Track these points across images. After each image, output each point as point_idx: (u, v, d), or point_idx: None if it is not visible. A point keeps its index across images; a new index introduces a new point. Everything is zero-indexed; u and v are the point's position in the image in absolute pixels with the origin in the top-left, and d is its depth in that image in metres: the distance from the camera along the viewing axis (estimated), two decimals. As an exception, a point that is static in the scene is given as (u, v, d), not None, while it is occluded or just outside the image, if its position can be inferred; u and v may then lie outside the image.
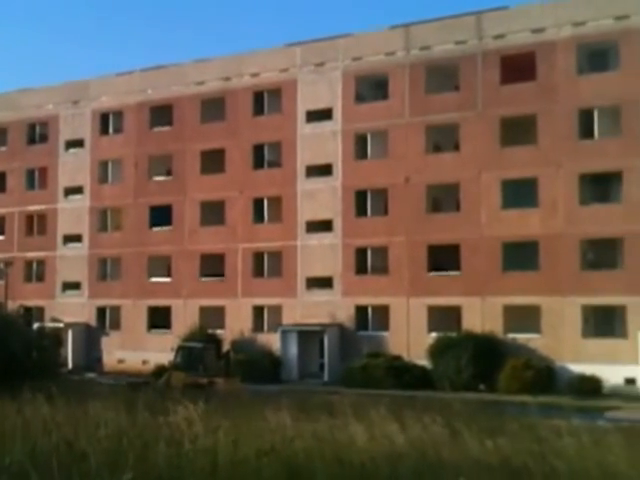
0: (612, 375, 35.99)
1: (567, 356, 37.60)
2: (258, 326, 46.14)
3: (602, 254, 38.40)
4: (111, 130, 53.69)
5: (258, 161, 47.76)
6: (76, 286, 52.96)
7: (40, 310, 52.54)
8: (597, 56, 39.58)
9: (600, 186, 38.88)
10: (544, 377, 36.70)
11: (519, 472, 8.27)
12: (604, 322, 38.10)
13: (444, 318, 40.55)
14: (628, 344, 36.23)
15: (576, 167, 38.25)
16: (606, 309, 37.90)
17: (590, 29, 38.81)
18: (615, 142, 38.06)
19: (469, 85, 41.46)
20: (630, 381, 36.04)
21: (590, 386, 35.52)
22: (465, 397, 29.81)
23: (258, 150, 47.69)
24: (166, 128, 51.02)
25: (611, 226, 37.32)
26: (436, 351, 39.21)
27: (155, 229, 50.58)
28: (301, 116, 46.18)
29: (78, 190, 53.73)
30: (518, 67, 39.21)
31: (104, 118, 53.67)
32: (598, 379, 35.93)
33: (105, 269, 52.77)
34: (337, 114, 45.07)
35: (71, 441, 8.43)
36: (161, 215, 49.88)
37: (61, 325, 50.25)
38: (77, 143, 54.31)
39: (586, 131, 38.62)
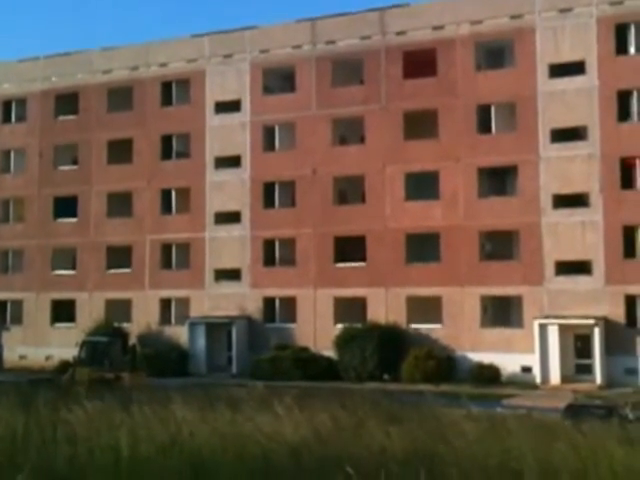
0: (509, 363, 37.72)
1: (466, 345, 39.27)
2: (165, 319, 46.62)
3: (499, 245, 40.26)
4: (14, 118, 53.19)
5: (166, 152, 48.14)
6: (-25, 279, 52.26)
7: None
8: (494, 54, 41.40)
9: (497, 180, 40.81)
10: (445, 366, 38.22)
11: (420, 458, 8.50)
12: (501, 312, 39.99)
13: (350, 309, 41.80)
14: (524, 333, 38.05)
15: (474, 161, 39.98)
16: (503, 299, 39.79)
17: (487, 27, 40.53)
18: (511, 137, 39.90)
19: (373, 79, 42.79)
20: (526, 369, 37.70)
21: (488, 374, 37.14)
22: (369, 387, 31.36)
23: (166, 141, 48.08)
24: (71, 117, 50.92)
25: (507, 218, 39.17)
26: (342, 342, 40.22)
27: (60, 220, 50.41)
28: (210, 107, 46.76)
29: (-22, 180, 52.97)
30: (420, 63, 40.71)
31: (6, 106, 53.25)
32: (496, 367, 37.54)
33: (6, 261, 52.29)
34: (245, 106, 45.82)
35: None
36: (66, 206, 49.72)
37: (-43, 321, 49.69)
38: (-23, 131, 53.50)
39: (484, 126, 40.36)
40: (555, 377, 36.62)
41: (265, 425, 10.00)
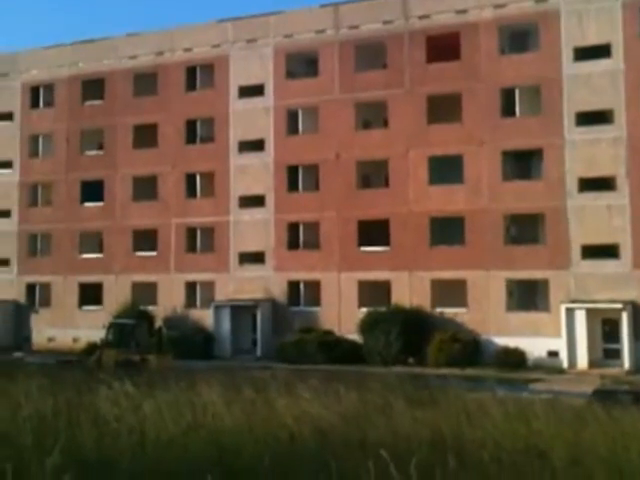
0: (535, 348, 36.63)
1: (492, 329, 38.19)
2: (191, 302, 46.02)
3: (524, 229, 39.18)
4: (42, 104, 52.75)
5: (190, 136, 47.51)
6: (5, 262, 51.91)
7: (-34, 287, 51.48)
8: (518, 37, 40.17)
9: (521, 163, 39.67)
10: (470, 350, 37.25)
11: (448, 441, 8.34)
12: (527, 296, 38.89)
13: (374, 293, 40.95)
14: (551, 317, 36.96)
15: (499, 144, 38.90)
16: (529, 283, 38.67)
17: (510, 11, 39.40)
18: (535, 120, 38.76)
19: (396, 64, 41.78)
20: (553, 354, 36.60)
21: (514, 359, 36.12)
22: (394, 371, 30.41)
23: (191, 125, 47.45)
24: (98, 102, 50.37)
25: (532, 202, 38.04)
26: (366, 326, 39.39)
27: (87, 204, 49.92)
28: (233, 92, 46.04)
29: (7, 165, 52.65)
30: (443, 47, 39.66)
31: (34, 91, 52.71)
32: (522, 352, 36.51)
33: (35, 245, 51.87)
34: (269, 90, 45.03)
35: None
36: (93, 190, 49.29)
37: (-12, 303, 49.63)
38: (6, 116, 53.15)
39: (508, 109, 39.23)
40: (582, 362, 35.50)
41: (291, 407, 9.79)
